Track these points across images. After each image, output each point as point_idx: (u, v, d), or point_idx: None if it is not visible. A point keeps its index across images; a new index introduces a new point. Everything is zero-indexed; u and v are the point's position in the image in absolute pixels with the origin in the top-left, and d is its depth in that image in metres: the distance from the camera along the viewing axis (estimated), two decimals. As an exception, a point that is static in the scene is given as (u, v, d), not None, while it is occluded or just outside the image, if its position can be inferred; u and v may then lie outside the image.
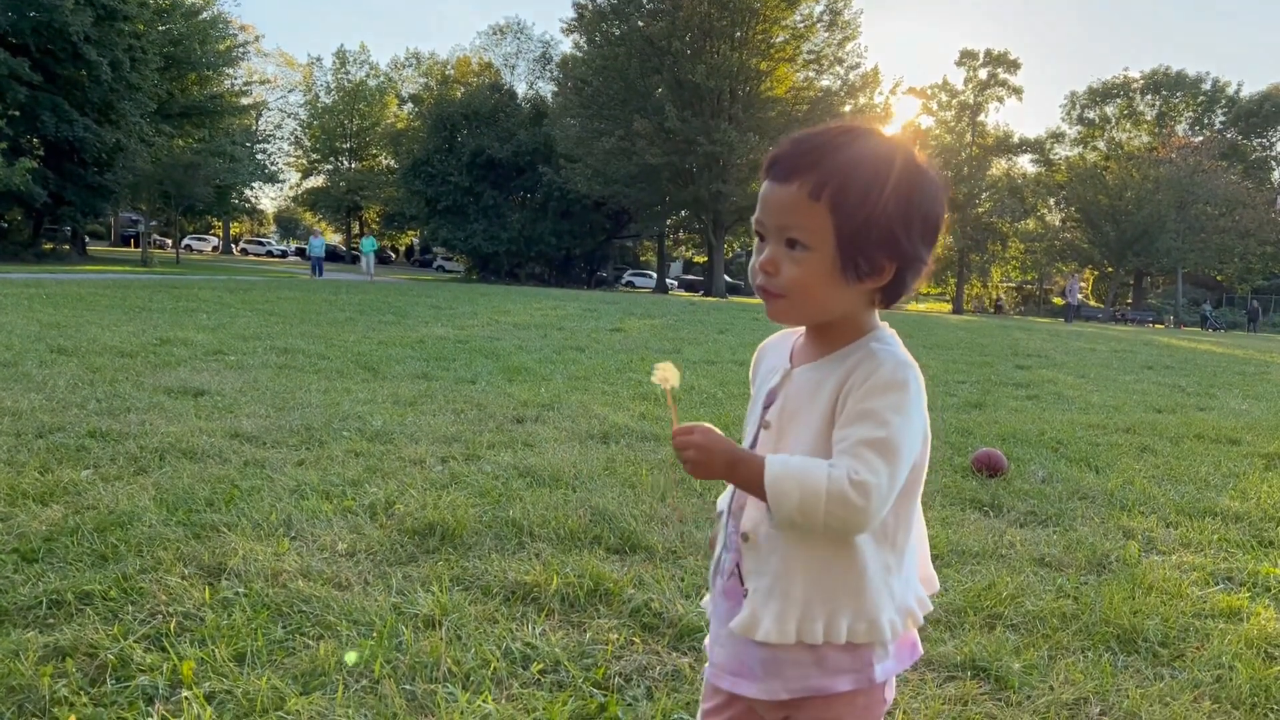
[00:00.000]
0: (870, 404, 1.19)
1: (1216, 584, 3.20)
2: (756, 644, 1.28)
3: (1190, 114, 59.81)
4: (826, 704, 1.29)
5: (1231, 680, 2.42)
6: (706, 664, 1.44)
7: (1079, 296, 43.21)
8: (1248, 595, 3.08)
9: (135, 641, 2.31)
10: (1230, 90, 59.26)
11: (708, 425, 1.26)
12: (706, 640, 1.46)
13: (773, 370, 1.38)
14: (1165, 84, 58.56)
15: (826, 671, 1.27)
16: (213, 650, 2.27)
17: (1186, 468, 5.18)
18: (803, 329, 1.37)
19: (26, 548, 2.89)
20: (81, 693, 2.08)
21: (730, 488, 1.38)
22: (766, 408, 1.34)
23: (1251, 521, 4.06)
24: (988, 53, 53.49)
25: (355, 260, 70.02)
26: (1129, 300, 57.94)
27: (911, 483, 1.26)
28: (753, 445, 1.34)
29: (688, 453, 1.24)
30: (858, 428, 1.18)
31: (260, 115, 63.99)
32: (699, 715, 1.48)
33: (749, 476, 1.21)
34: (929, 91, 54.47)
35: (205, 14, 42.34)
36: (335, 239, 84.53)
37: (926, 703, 2.24)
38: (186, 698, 2.06)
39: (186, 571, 2.78)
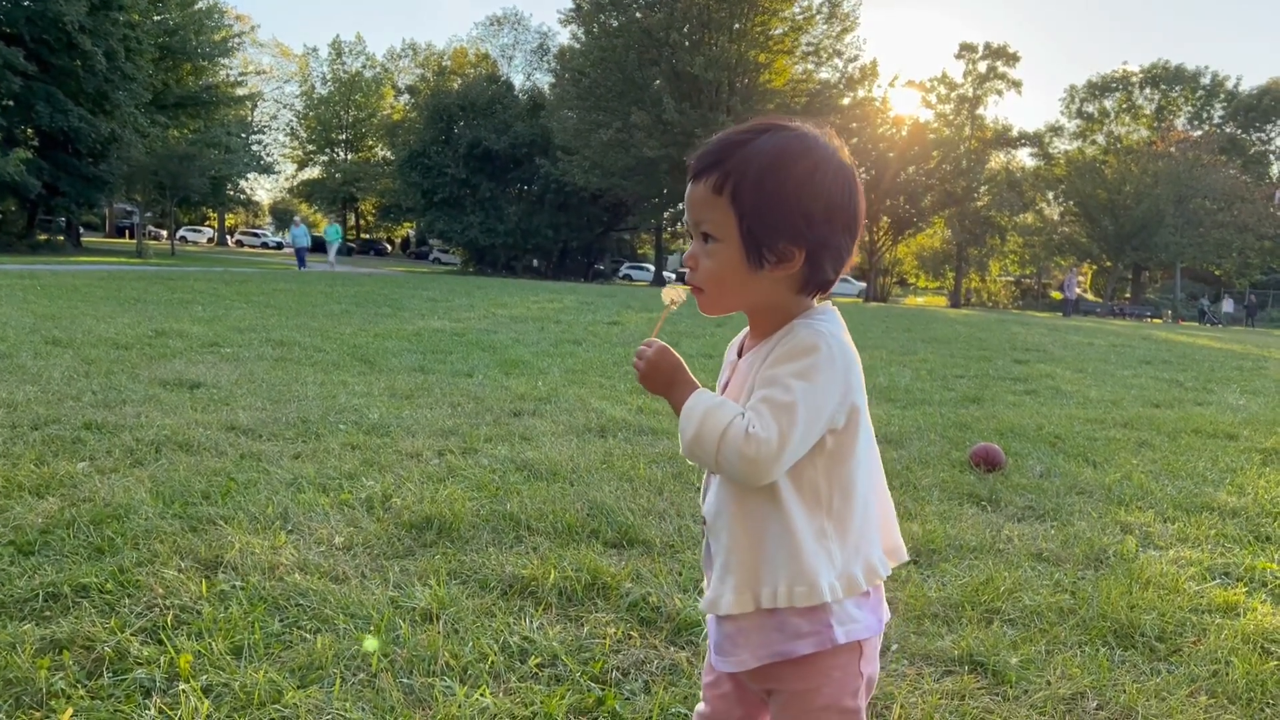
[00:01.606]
0: (776, 370, 1.26)
1: (1213, 579, 3.20)
2: (722, 620, 1.36)
3: (1189, 108, 59.72)
4: (799, 673, 1.34)
5: (1228, 675, 2.42)
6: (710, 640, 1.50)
7: (1077, 291, 43.19)
8: (1244, 590, 3.08)
9: (132, 634, 2.30)
10: (1229, 84, 59.19)
11: (666, 346, 1.39)
12: (709, 618, 1.53)
13: (728, 364, 1.47)
14: (1164, 78, 58.47)
15: (787, 636, 1.32)
16: (210, 643, 2.27)
17: (1184, 463, 5.19)
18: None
19: (23, 540, 2.89)
20: (79, 685, 2.07)
21: (704, 481, 1.47)
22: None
23: (1248, 517, 4.06)
24: (987, 45, 53.35)
25: (348, 252, 70.02)
26: (1127, 295, 57.97)
27: (842, 449, 1.31)
28: None
29: (639, 363, 1.38)
30: (762, 390, 1.25)
31: (256, 106, 63.92)
32: (703, 689, 1.56)
33: (676, 401, 1.33)
34: (928, 84, 54.34)
35: (200, 4, 42.24)
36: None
37: (924, 697, 2.24)
38: (184, 691, 2.06)
39: (183, 564, 2.77)
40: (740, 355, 1.42)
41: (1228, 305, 48.14)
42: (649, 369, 1.37)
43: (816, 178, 1.29)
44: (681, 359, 1.38)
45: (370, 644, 2.28)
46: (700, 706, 1.55)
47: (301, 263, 32.22)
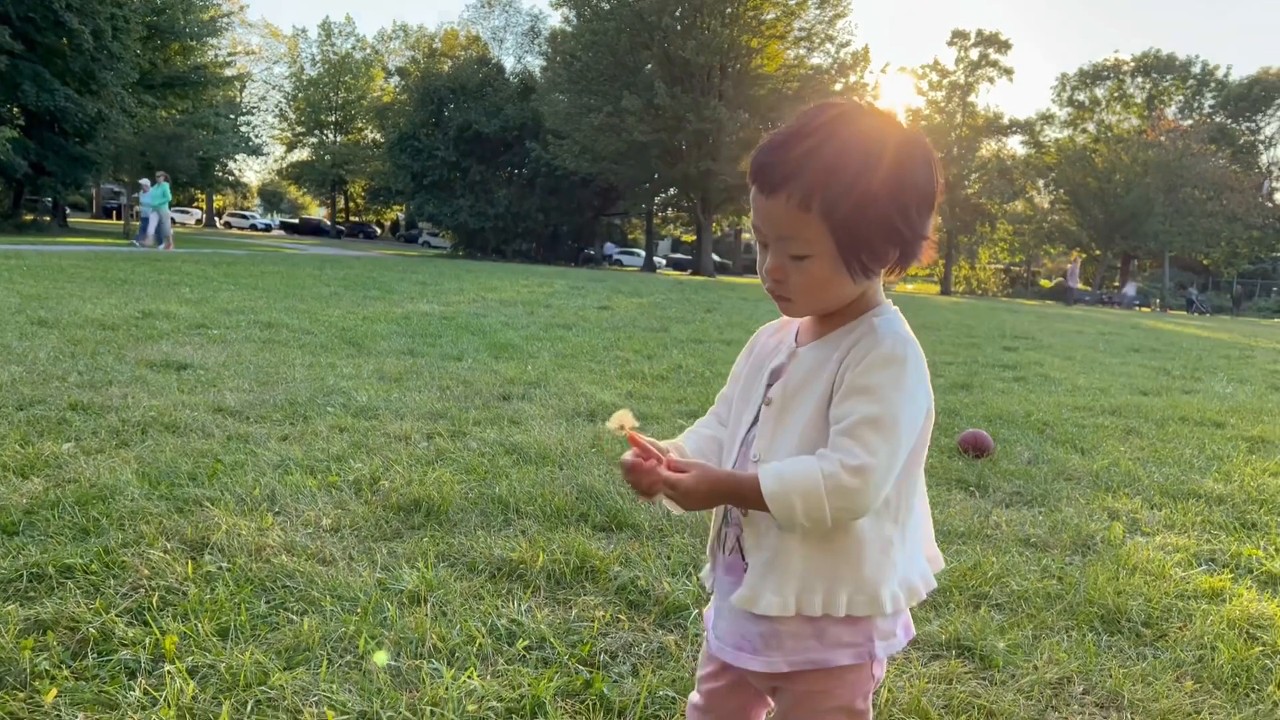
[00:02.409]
0: (869, 380, 1.20)
1: (1199, 565, 3.22)
2: (756, 617, 1.31)
3: (1180, 97, 59.76)
4: (818, 676, 1.31)
5: (1213, 660, 2.43)
6: (707, 631, 1.47)
7: (1075, 282, 43.20)
8: (1230, 576, 3.10)
9: (117, 615, 2.29)
10: (1220, 74, 59.26)
11: (702, 466, 1.28)
12: (708, 610, 1.49)
13: (777, 349, 1.39)
14: (1155, 67, 58.47)
15: (826, 644, 1.29)
16: (196, 625, 2.26)
17: (1171, 450, 5.21)
18: None
19: (7, 520, 2.86)
20: (63, 666, 2.06)
21: (730, 461, 1.40)
22: (770, 385, 1.35)
23: (1234, 504, 4.09)
24: (979, 33, 53.30)
25: (339, 235, 69.63)
26: (1116, 283, 58.18)
27: (911, 459, 1.27)
28: (753, 423, 1.36)
29: (677, 502, 1.27)
30: (857, 404, 1.19)
31: (244, 87, 63.38)
32: (697, 681, 1.52)
33: (746, 497, 1.23)
34: (920, 71, 54.29)
35: (189, -17, 41.71)
36: (320, 213, 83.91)
37: (911, 681, 2.25)
38: (169, 672, 2.04)
39: (169, 546, 2.76)
40: (798, 341, 1.36)
41: (1192, 293, 47.89)
42: (693, 493, 1.25)
43: (908, 172, 1.22)
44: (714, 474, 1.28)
45: (380, 658, 2.22)
46: (694, 697, 1.52)
47: (142, 232, 24.26)
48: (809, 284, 1.25)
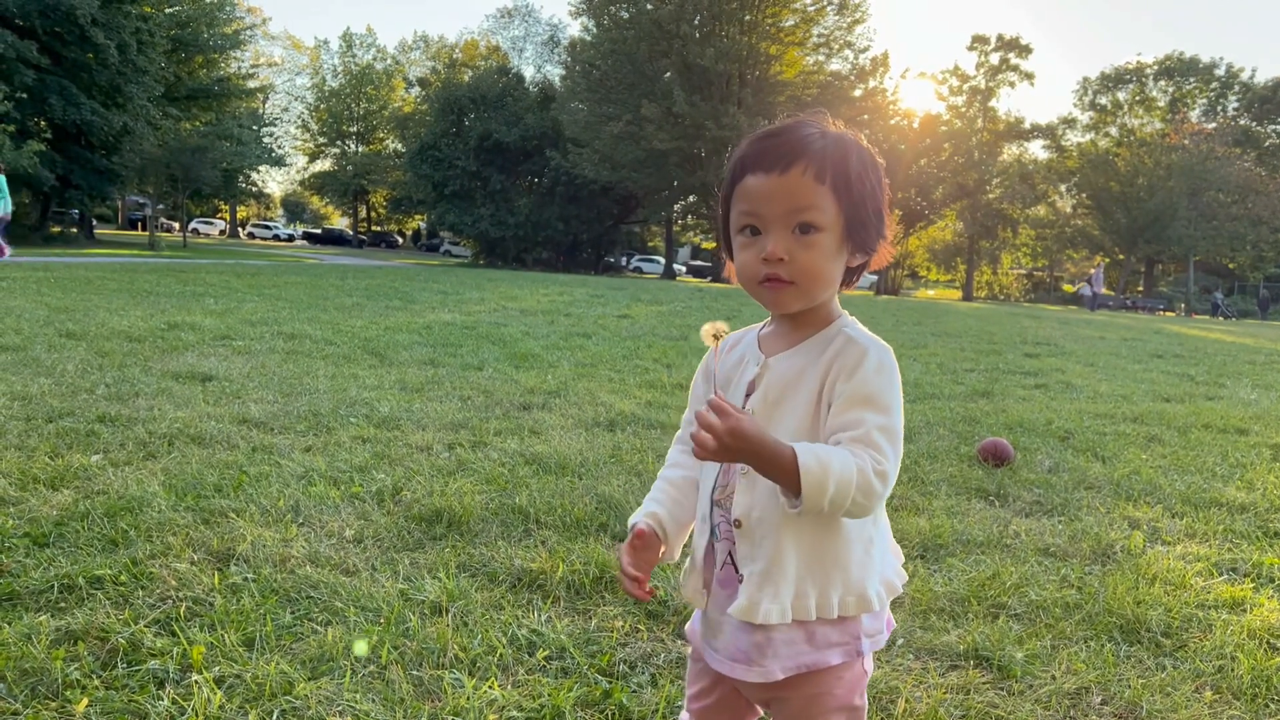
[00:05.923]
0: (868, 389, 1.24)
1: (1220, 575, 3.20)
2: (751, 628, 1.33)
3: (1203, 100, 59.16)
4: (815, 679, 1.34)
5: (1233, 671, 2.42)
6: (692, 649, 1.49)
7: (1100, 287, 42.88)
8: (1251, 586, 3.08)
9: (146, 626, 2.33)
10: (1244, 76, 58.59)
11: (750, 420, 1.19)
12: (688, 626, 1.51)
13: (742, 363, 1.41)
14: (1178, 70, 57.94)
15: (817, 646, 1.32)
16: (222, 635, 2.30)
17: (1193, 458, 5.17)
18: (759, 325, 1.45)
19: (37, 532, 2.92)
20: (93, 676, 2.10)
21: (711, 477, 1.40)
22: (748, 397, 1.37)
23: (1257, 512, 4.05)
24: (999, 37, 53.13)
25: (361, 245, 70.05)
26: (1140, 288, 57.66)
27: None
28: None
29: (724, 439, 1.17)
30: (864, 413, 1.23)
31: (267, 98, 63.96)
32: (686, 700, 1.53)
33: (772, 463, 1.19)
34: (940, 76, 54.17)
35: (212, -4, 42.25)
36: (343, 223, 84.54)
37: (929, 691, 2.26)
38: (196, 682, 2.09)
39: (195, 557, 2.80)
40: (763, 351, 1.38)
41: (1217, 297, 46.97)
42: (734, 445, 1.17)
43: (878, 171, 1.32)
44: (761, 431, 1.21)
45: (359, 648, 2.25)
46: (683, 716, 1.53)
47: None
48: (814, 262, 1.27)
